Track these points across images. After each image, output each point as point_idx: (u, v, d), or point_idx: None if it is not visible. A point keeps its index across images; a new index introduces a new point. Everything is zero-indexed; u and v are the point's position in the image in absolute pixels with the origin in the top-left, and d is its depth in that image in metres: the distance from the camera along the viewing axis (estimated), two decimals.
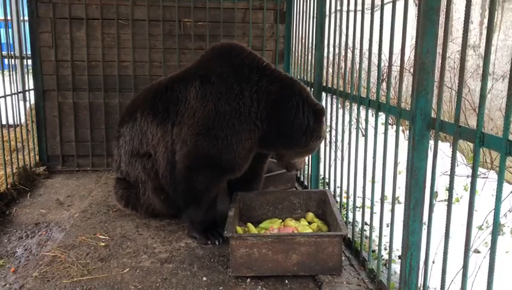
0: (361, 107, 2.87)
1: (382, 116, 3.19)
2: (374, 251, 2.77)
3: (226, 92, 2.91)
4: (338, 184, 3.36)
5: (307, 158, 3.79)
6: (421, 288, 2.13)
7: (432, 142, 2.00)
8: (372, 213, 2.65)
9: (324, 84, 3.67)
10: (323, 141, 3.21)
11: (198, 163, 2.96)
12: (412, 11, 6.40)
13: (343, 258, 2.71)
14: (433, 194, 2.00)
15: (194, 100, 2.98)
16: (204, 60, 3.16)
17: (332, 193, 3.33)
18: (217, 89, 2.94)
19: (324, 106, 3.18)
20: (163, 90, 3.19)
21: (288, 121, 2.89)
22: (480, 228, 3.25)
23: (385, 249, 3.00)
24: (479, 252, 3.11)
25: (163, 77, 3.87)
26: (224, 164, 2.94)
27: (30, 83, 4.80)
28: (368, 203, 2.79)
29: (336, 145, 3.40)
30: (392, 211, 2.36)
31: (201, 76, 3.02)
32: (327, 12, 3.57)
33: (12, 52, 4.49)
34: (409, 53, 5.95)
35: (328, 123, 3.54)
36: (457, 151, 1.91)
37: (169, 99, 3.09)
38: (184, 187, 3.03)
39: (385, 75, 5.79)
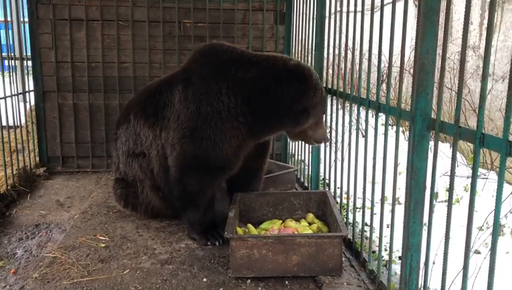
0: (361, 108, 2.86)
1: (382, 117, 3.19)
2: (374, 252, 2.77)
3: (206, 92, 2.90)
4: (338, 185, 3.36)
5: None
6: (422, 289, 2.13)
7: (432, 142, 2.00)
8: (372, 214, 2.65)
9: (324, 85, 3.67)
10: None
11: (188, 165, 2.95)
12: (412, 11, 6.40)
13: (343, 259, 2.70)
14: (434, 195, 2.00)
15: (178, 103, 2.98)
16: (188, 63, 3.18)
17: (333, 194, 3.33)
18: (197, 90, 2.93)
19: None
20: (152, 93, 3.21)
21: (274, 100, 2.77)
22: (480, 228, 3.24)
23: (385, 250, 3.00)
24: (479, 253, 3.11)
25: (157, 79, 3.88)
26: (212, 163, 2.92)
27: (30, 84, 4.80)
28: (368, 204, 2.79)
29: (336, 146, 3.40)
30: (392, 211, 2.36)
31: (185, 79, 3.03)
32: (327, 13, 3.57)
33: (12, 54, 4.49)
34: (409, 54, 5.95)
35: (329, 124, 3.54)
36: (457, 152, 1.91)
37: (158, 103, 3.12)
38: (178, 190, 3.05)
39: (385, 76, 5.80)
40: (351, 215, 3.09)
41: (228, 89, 2.85)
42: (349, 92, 2.97)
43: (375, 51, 2.62)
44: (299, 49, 4.43)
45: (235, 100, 2.84)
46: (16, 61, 4.94)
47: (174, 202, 3.15)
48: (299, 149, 4.54)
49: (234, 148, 2.92)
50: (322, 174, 3.80)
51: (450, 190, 1.87)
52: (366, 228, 2.80)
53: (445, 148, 4.89)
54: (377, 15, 2.50)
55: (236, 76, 2.86)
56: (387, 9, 2.44)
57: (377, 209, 2.71)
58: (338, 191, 3.41)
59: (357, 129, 2.86)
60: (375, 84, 2.72)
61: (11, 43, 4.38)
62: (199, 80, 2.95)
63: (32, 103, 4.84)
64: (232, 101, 2.84)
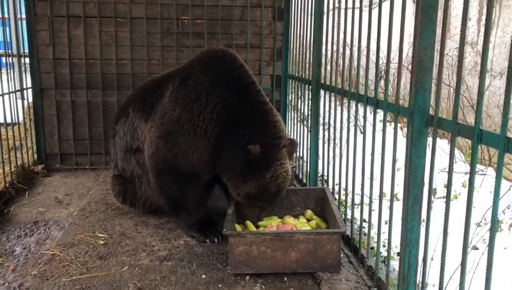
0: (359, 105, 2.87)
1: (380, 114, 3.19)
2: (372, 248, 2.77)
3: (194, 98, 2.87)
4: (337, 181, 3.36)
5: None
6: (420, 285, 2.14)
7: (430, 139, 2.01)
8: (370, 210, 2.66)
9: (322, 81, 3.67)
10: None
11: (161, 169, 2.97)
12: (410, 8, 6.39)
13: (341, 255, 2.71)
14: (432, 191, 2.00)
15: (168, 99, 2.98)
16: (193, 61, 3.15)
17: (331, 190, 3.34)
18: (187, 94, 2.90)
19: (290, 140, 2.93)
20: (153, 86, 3.21)
21: (229, 146, 2.75)
22: (478, 224, 3.25)
23: (384, 246, 3.01)
24: (477, 248, 3.12)
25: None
26: (183, 169, 2.91)
27: (28, 81, 4.79)
28: (366, 200, 2.79)
29: (334, 143, 3.40)
30: (391, 208, 2.36)
31: (183, 77, 3.00)
32: (325, 10, 3.56)
33: (9, 51, 4.47)
34: (407, 50, 5.95)
35: (327, 120, 3.54)
36: (455, 148, 1.92)
37: (156, 96, 3.11)
38: (163, 197, 3.08)
39: (383, 72, 5.79)
40: (349, 212, 3.10)
41: (213, 109, 2.82)
42: (348, 89, 2.97)
43: (373, 47, 2.62)
44: (297, 45, 4.43)
45: (214, 123, 2.81)
46: (14, 59, 4.94)
47: (167, 210, 3.18)
48: (297, 146, 4.53)
49: (204, 163, 2.90)
50: (320, 170, 3.80)
51: (448, 186, 1.87)
52: (365, 224, 2.81)
53: (443, 145, 4.89)
54: (375, 11, 2.49)
55: (227, 102, 2.82)
56: (386, 6, 2.44)
57: (375, 205, 2.72)
58: (336, 188, 3.41)
59: (355, 126, 2.86)
60: (374, 80, 2.72)
61: (8, 40, 4.37)
62: (194, 84, 2.93)
63: (30, 100, 4.82)
64: (212, 123, 2.82)
